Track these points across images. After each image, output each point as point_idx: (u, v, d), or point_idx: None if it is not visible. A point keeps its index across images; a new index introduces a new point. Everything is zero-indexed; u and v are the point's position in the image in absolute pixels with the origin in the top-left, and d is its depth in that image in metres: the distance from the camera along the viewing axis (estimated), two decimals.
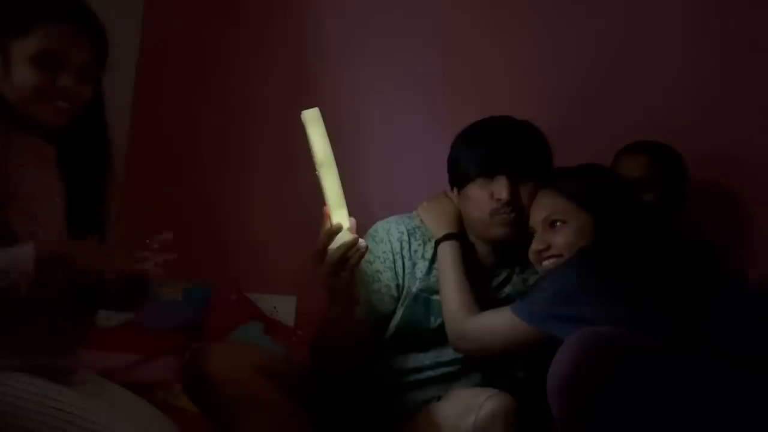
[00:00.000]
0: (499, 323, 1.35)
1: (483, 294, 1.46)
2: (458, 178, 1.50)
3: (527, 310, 1.30)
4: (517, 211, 1.43)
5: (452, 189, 1.53)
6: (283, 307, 2.23)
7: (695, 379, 1.10)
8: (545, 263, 1.39)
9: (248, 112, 2.36)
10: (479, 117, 1.52)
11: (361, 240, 1.23)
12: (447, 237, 1.49)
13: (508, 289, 1.51)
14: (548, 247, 1.38)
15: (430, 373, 1.49)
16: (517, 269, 1.51)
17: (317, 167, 1.23)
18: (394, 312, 1.50)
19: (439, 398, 1.40)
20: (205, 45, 2.44)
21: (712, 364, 1.12)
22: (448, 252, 1.47)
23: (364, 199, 1.96)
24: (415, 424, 1.38)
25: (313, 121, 1.24)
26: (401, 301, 1.50)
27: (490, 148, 1.46)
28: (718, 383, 1.11)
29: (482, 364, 1.45)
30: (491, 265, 1.52)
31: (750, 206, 1.84)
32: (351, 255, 1.23)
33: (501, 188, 1.42)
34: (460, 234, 1.50)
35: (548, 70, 2.03)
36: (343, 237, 1.22)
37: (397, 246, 1.50)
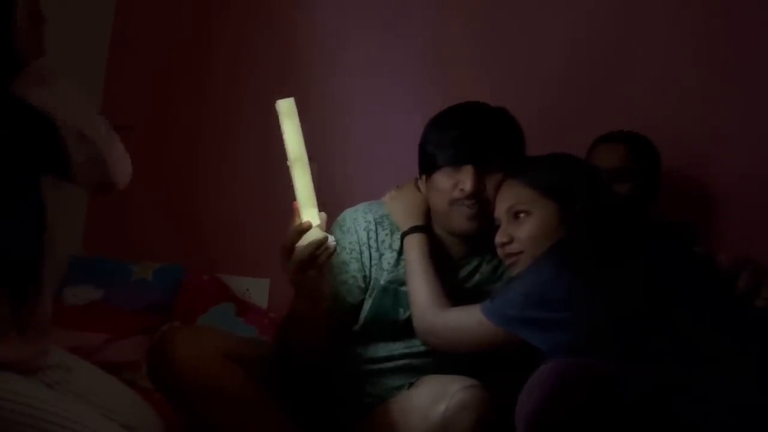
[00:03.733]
0: (467, 322, 1.31)
1: (451, 284, 1.44)
2: (426, 165, 1.47)
3: (497, 311, 1.26)
4: (481, 203, 1.41)
5: (421, 176, 1.51)
6: (255, 290, 2.21)
7: (670, 413, 1.05)
8: (508, 261, 1.36)
9: (225, 95, 2.33)
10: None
11: (330, 238, 1.20)
12: (413, 230, 1.46)
13: (476, 278, 1.49)
14: (511, 240, 1.34)
15: (400, 363, 1.47)
16: (487, 257, 1.49)
17: (289, 162, 1.21)
18: (362, 303, 1.49)
19: (410, 385, 1.39)
20: (180, 28, 2.40)
21: (688, 395, 1.07)
22: (414, 245, 1.45)
23: (346, 189, 1.96)
24: (384, 410, 1.36)
25: (287, 112, 1.21)
26: (369, 293, 1.48)
27: (458, 136, 1.42)
28: (693, 414, 1.06)
29: (453, 356, 1.43)
30: (459, 255, 1.50)
31: (722, 196, 1.86)
32: (320, 253, 1.20)
33: (466, 179, 1.40)
34: (426, 226, 1.47)
35: (530, 58, 2.02)
36: (313, 235, 1.19)
37: (363, 236, 1.49)
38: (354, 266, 1.48)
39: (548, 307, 1.20)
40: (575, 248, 1.26)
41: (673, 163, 1.78)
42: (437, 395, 1.25)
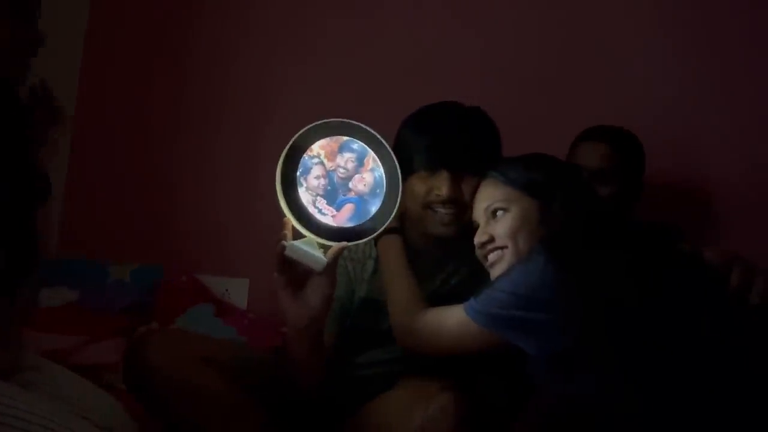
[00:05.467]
0: (449, 322, 1.26)
1: (429, 288, 1.43)
2: (401, 167, 1.46)
3: (482, 311, 1.21)
4: (457, 207, 1.39)
5: None
6: (235, 290, 2.20)
7: None
8: (490, 257, 1.31)
9: (204, 93, 2.31)
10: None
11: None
12: (387, 231, 1.40)
13: (454, 281, 1.48)
14: (491, 239, 1.31)
15: (380, 369, 1.46)
16: (465, 261, 1.46)
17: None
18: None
19: (389, 388, 1.36)
20: (158, 25, 2.37)
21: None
22: (389, 247, 1.43)
23: None
24: (365, 413, 1.35)
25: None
26: (353, 305, 1.48)
27: (433, 140, 1.41)
28: None
29: (431, 362, 1.40)
30: (435, 260, 1.48)
31: (706, 195, 1.87)
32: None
33: (441, 184, 1.38)
34: (399, 228, 1.46)
35: (510, 56, 2.03)
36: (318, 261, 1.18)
37: (345, 251, 1.48)
38: (343, 280, 1.47)
39: (536, 307, 1.16)
40: (561, 245, 1.23)
41: (659, 164, 1.78)
42: (417, 397, 1.23)
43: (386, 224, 1.23)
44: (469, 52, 2.06)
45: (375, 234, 1.23)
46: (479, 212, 1.35)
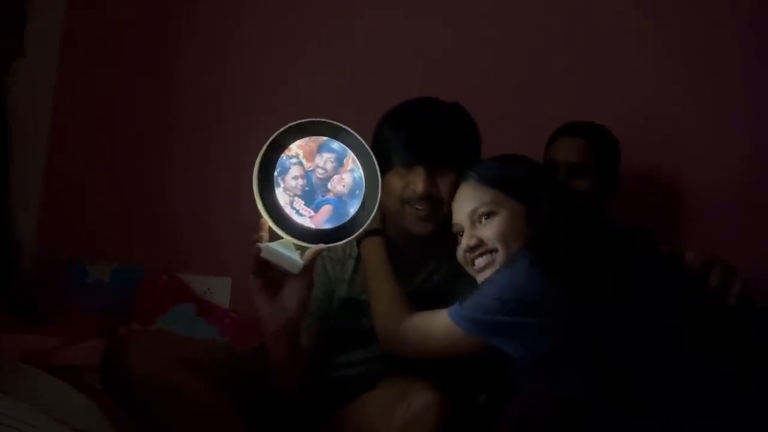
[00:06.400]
0: (434, 328, 1.26)
1: (409, 288, 1.42)
2: (379, 165, 1.44)
3: (467, 317, 1.21)
4: (433, 204, 1.39)
5: None
6: (217, 289, 2.18)
7: None
8: (478, 261, 1.29)
9: (189, 90, 2.29)
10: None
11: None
12: (369, 233, 1.42)
13: (435, 280, 1.48)
14: (480, 243, 1.29)
15: (362, 368, 1.46)
16: (445, 258, 1.45)
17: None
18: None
19: (373, 387, 1.37)
20: (140, 20, 2.35)
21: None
22: (372, 249, 1.42)
23: None
24: (346, 413, 1.35)
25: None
26: (333, 306, 1.48)
27: (409, 136, 1.40)
28: None
29: (412, 361, 1.41)
30: (415, 257, 1.48)
31: (682, 192, 1.89)
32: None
33: (417, 180, 1.38)
34: (382, 229, 1.45)
35: (489, 51, 2.03)
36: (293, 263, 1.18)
37: (325, 251, 1.47)
38: (322, 281, 1.46)
39: (522, 311, 1.16)
40: (545, 247, 1.22)
41: (631, 163, 1.79)
42: (399, 398, 1.23)
43: (365, 226, 1.22)
44: (453, 51, 2.05)
45: (353, 236, 1.22)
46: (462, 215, 1.33)
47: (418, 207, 1.39)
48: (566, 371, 1.15)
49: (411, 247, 1.47)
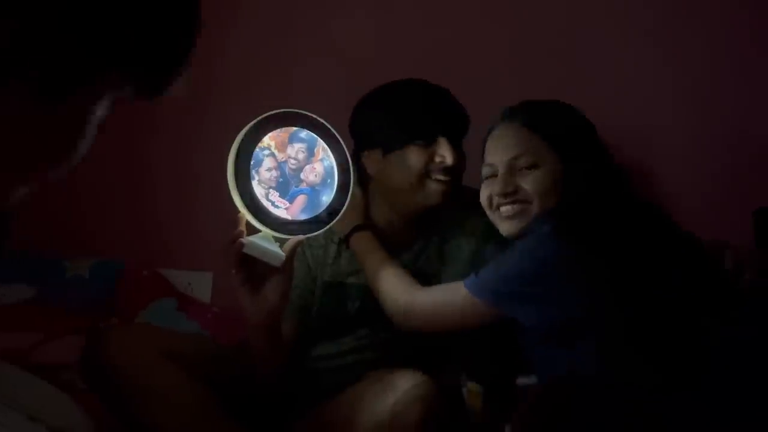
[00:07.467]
0: (451, 300, 1.25)
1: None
2: (384, 143, 1.42)
3: (486, 288, 1.19)
4: (455, 174, 1.39)
5: (362, 157, 1.45)
6: (198, 283, 2.16)
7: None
8: (506, 209, 1.25)
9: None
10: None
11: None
12: (357, 229, 1.42)
13: (420, 262, 1.47)
14: (516, 191, 1.24)
15: (349, 359, 1.46)
16: (433, 239, 1.47)
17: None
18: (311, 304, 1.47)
19: (358, 379, 1.37)
20: None
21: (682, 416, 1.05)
22: (363, 242, 1.41)
23: None
24: (333, 405, 1.35)
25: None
26: (316, 292, 1.47)
27: (429, 110, 1.39)
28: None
29: (403, 348, 1.42)
30: (403, 240, 1.47)
31: (664, 185, 1.89)
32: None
33: (444, 151, 1.36)
34: (368, 224, 1.45)
35: (474, 38, 2.02)
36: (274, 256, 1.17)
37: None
38: (303, 269, 1.45)
39: (541, 280, 1.15)
40: (574, 215, 1.19)
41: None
42: (385, 389, 1.23)
43: (342, 212, 1.22)
44: (440, 45, 2.04)
45: (330, 225, 1.22)
46: (500, 159, 1.28)
47: (443, 178, 1.38)
48: (580, 343, 1.14)
49: (399, 232, 1.47)
